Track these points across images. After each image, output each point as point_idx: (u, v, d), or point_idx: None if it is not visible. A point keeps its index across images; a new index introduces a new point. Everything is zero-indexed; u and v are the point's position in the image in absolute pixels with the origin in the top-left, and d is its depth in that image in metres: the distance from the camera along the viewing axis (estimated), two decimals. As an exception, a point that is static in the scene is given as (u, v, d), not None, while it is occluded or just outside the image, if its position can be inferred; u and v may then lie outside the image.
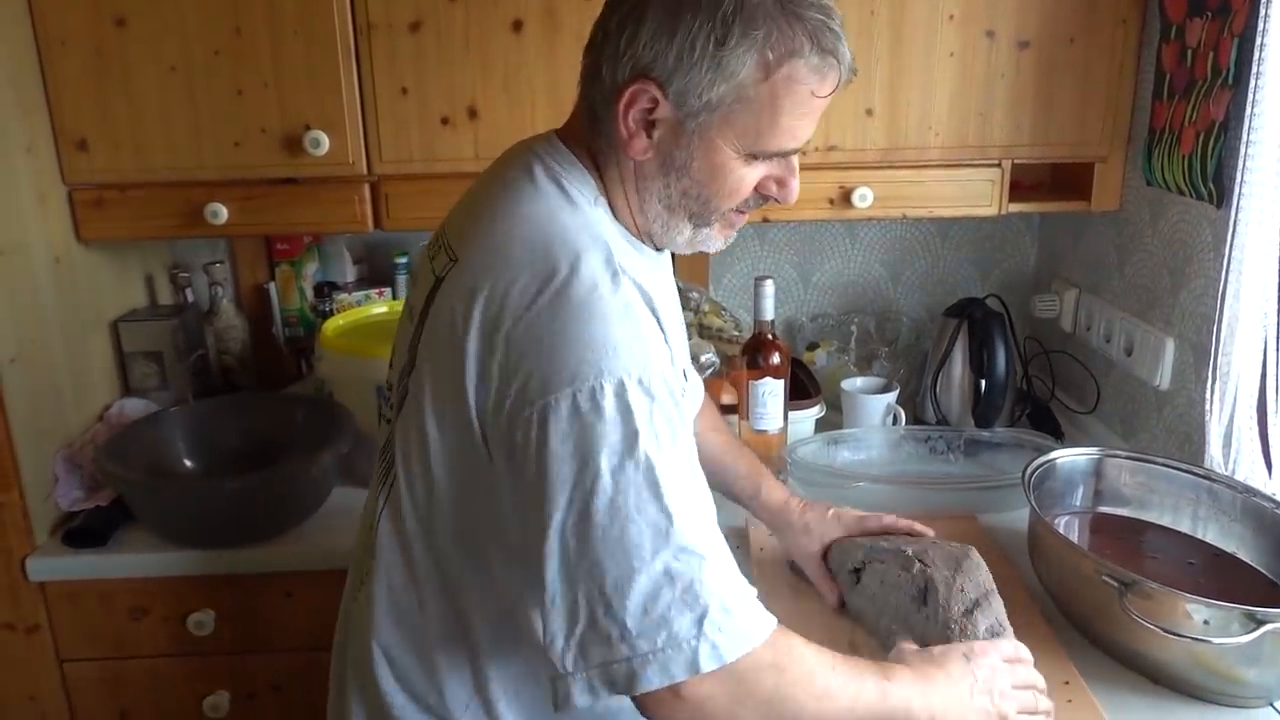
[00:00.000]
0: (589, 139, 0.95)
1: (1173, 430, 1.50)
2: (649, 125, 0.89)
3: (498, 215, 0.91)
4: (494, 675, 0.97)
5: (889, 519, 1.22)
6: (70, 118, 1.52)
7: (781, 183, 0.95)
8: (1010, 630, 1.06)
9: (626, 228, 0.97)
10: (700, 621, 0.79)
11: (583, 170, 0.94)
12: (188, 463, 1.58)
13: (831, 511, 1.23)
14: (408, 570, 0.97)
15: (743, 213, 0.98)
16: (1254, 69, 1.19)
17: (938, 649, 1.00)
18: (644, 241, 0.99)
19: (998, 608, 1.08)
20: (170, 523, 1.45)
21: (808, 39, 0.86)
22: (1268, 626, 0.97)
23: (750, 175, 0.92)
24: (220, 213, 1.56)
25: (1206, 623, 1.00)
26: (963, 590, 1.08)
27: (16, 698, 1.52)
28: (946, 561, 1.11)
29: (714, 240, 0.99)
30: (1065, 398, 1.84)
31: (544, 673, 0.84)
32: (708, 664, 0.78)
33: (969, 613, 1.06)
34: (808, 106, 0.89)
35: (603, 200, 0.94)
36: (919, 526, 1.22)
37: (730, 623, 0.80)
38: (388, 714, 0.99)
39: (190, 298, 1.85)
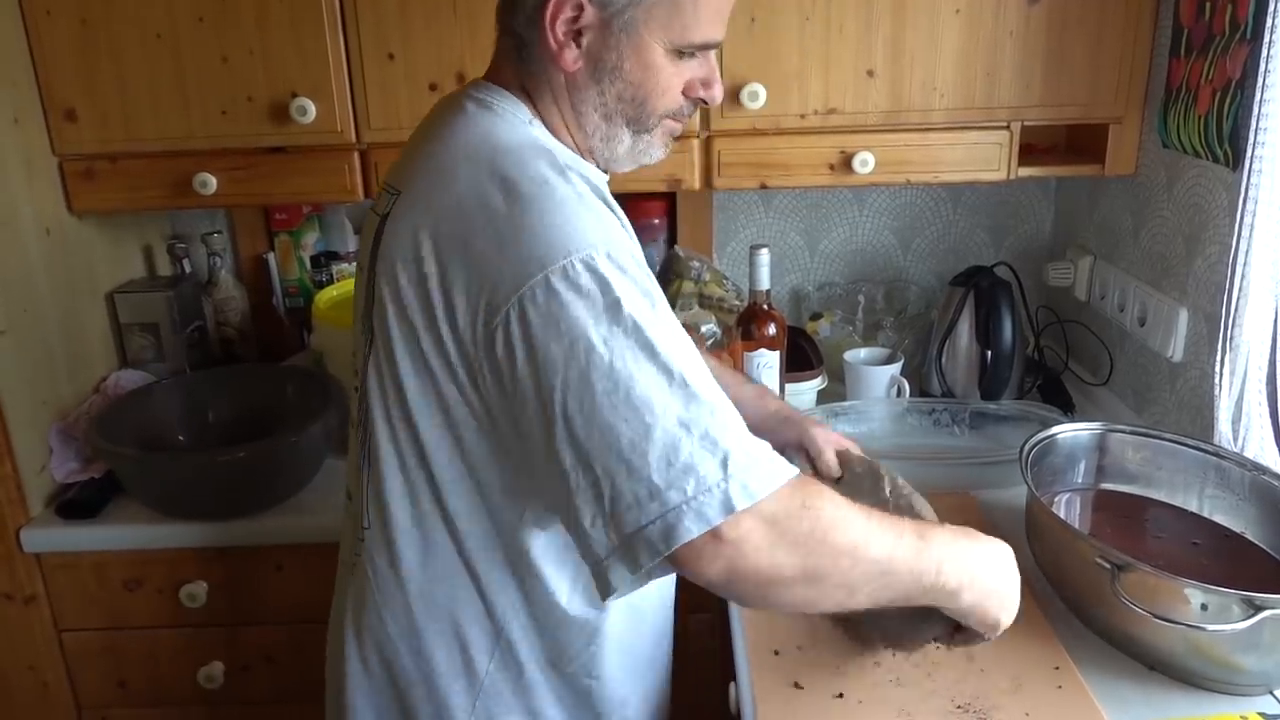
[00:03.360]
0: (517, 72, 0.95)
1: (1185, 404, 1.44)
2: (576, 35, 0.91)
3: (434, 144, 0.93)
4: (512, 619, 0.97)
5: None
6: (58, 88, 1.50)
7: (707, 83, 0.97)
8: None
9: (575, 152, 0.97)
10: (725, 464, 0.78)
11: (514, 99, 0.95)
12: (180, 435, 1.58)
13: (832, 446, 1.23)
14: (401, 530, 0.95)
15: (678, 121, 0.99)
16: (1270, 21, 1.11)
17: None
18: (588, 160, 0.99)
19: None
20: (160, 495, 1.45)
21: None
22: (1266, 612, 0.93)
23: (679, 74, 0.94)
24: (209, 183, 1.54)
25: (1204, 607, 0.96)
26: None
27: (17, 667, 1.54)
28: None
29: (654, 148, 1.00)
30: (1079, 369, 1.78)
31: (585, 567, 0.83)
32: (741, 501, 0.78)
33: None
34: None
35: (537, 122, 0.95)
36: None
37: (753, 463, 0.80)
38: (397, 686, 0.99)
39: (187, 269, 1.84)
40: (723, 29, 0.94)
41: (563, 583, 0.97)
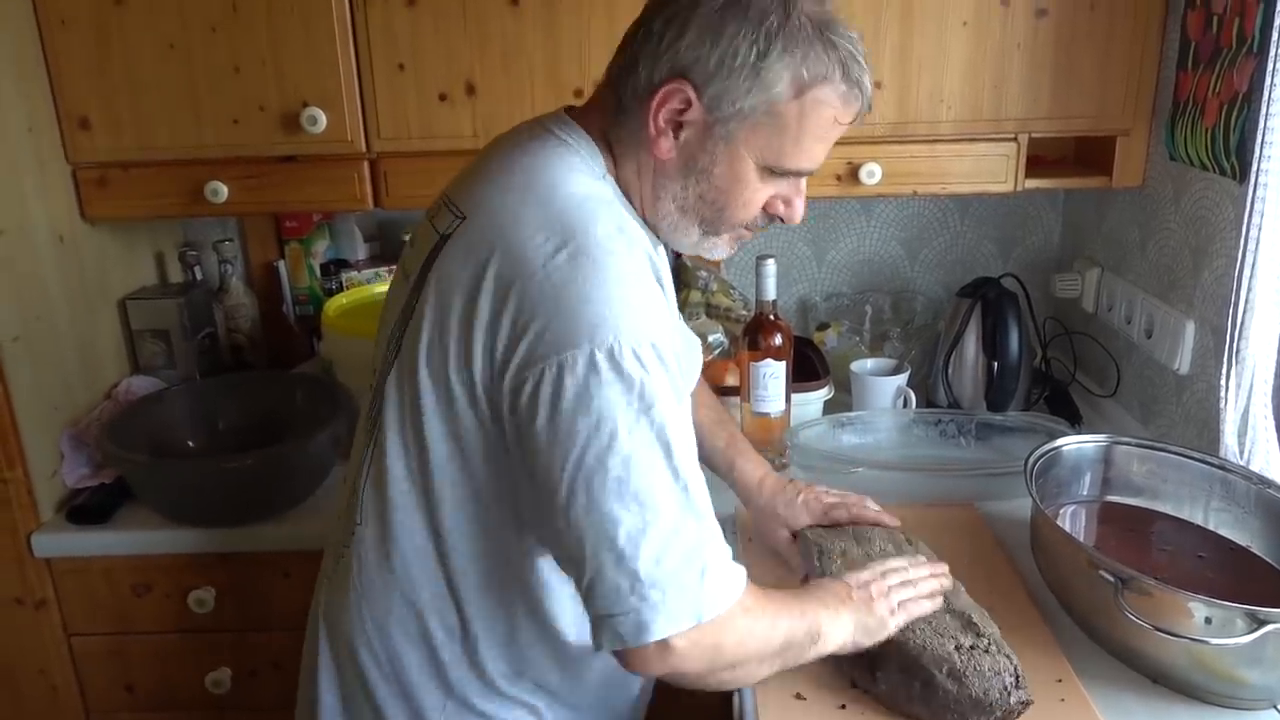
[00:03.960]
0: (610, 127, 0.96)
1: (1191, 417, 1.44)
2: (677, 126, 0.92)
3: (510, 176, 0.93)
4: (482, 635, 0.98)
5: (856, 509, 1.21)
6: (72, 97, 1.52)
7: (788, 202, 0.98)
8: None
9: (639, 215, 0.98)
10: (703, 574, 0.83)
11: (593, 146, 0.96)
12: (189, 442, 1.59)
13: (801, 497, 1.23)
14: (394, 535, 0.97)
15: (750, 230, 1.00)
16: (1276, 35, 1.12)
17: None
18: (652, 233, 1.00)
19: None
20: (169, 501, 1.46)
21: (839, 66, 0.90)
22: (1270, 626, 0.92)
23: (764, 191, 0.96)
24: (221, 191, 1.55)
25: (1208, 621, 0.96)
26: None
27: (27, 670, 1.55)
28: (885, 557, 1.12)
29: (719, 249, 1.02)
30: (1086, 380, 1.78)
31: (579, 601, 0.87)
32: (709, 613, 0.83)
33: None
34: (828, 131, 0.93)
35: (610, 178, 0.96)
36: (886, 518, 1.21)
37: (724, 575, 0.86)
38: (364, 680, 1.01)
39: (199, 276, 1.85)
40: (821, 158, 0.95)
41: (558, 607, 0.98)
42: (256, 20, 1.48)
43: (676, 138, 0.92)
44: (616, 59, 0.96)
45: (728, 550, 0.88)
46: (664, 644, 0.82)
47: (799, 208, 0.98)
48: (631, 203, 0.97)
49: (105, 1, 1.47)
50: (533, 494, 0.87)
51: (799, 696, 1.03)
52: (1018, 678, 0.97)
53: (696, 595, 0.82)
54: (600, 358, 0.81)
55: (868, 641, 0.99)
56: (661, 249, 1.06)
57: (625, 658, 0.85)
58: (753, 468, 1.29)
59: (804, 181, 0.98)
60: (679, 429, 0.85)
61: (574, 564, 0.84)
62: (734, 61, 0.88)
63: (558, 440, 0.82)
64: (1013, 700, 0.96)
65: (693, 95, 0.89)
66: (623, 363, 0.81)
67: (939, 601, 1.05)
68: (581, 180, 0.92)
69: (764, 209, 0.98)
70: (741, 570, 0.88)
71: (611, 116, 0.95)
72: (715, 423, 1.34)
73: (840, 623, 0.97)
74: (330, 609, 1.05)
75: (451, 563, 0.96)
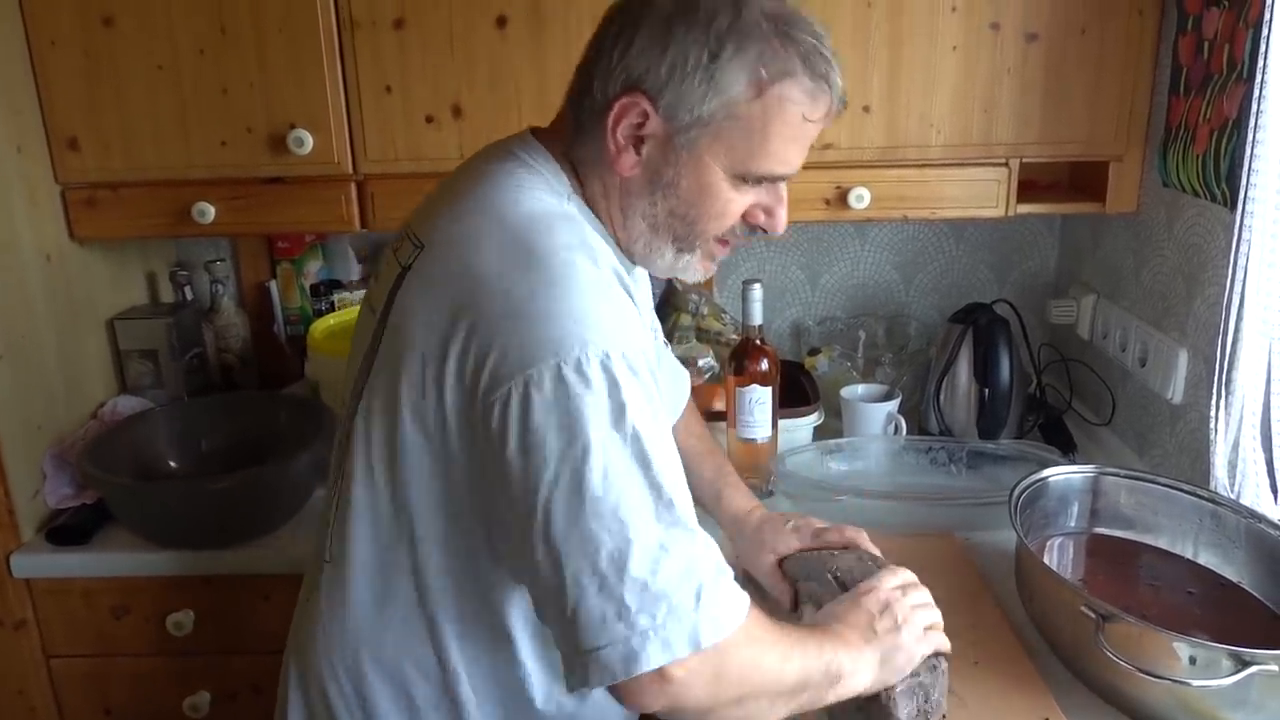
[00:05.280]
0: (572, 149, 0.94)
1: (1185, 447, 1.41)
2: (638, 141, 0.89)
3: (467, 201, 0.90)
4: (463, 673, 0.94)
5: (850, 534, 1.16)
6: (61, 117, 1.52)
7: (770, 212, 0.94)
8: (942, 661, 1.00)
9: (611, 235, 0.95)
10: (699, 595, 0.77)
11: (557, 168, 0.93)
12: (172, 463, 1.58)
13: (790, 524, 1.19)
14: (367, 574, 0.94)
15: (726, 243, 0.96)
16: (1263, 62, 1.10)
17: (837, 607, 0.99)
18: (625, 255, 0.97)
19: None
20: (148, 524, 1.45)
21: (800, 61, 0.86)
22: (1255, 668, 0.90)
23: (738, 200, 0.91)
24: (208, 212, 1.55)
25: (1193, 661, 0.93)
26: None
27: (6, 691, 1.53)
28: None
29: (694, 269, 0.97)
30: (1082, 408, 1.75)
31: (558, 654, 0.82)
32: (709, 637, 0.77)
33: None
34: (798, 130, 0.88)
35: (576, 199, 0.93)
36: (874, 548, 1.16)
37: (724, 596, 0.79)
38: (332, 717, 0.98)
39: (190, 296, 1.85)
40: (796, 162, 0.91)
41: (533, 650, 0.95)
42: (244, 42, 1.48)
43: (639, 153, 0.89)
44: (573, 79, 0.94)
45: (728, 570, 0.81)
46: (660, 674, 0.76)
47: (780, 217, 0.94)
48: (603, 224, 0.95)
49: (95, 23, 1.48)
50: (506, 525, 0.82)
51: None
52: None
53: (692, 619, 0.76)
54: (567, 371, 0.77)
55: (894, 679, 0.93)
56: (638, 272, 1.04)
57: (620, 691, 0.78)
58: (742, 499, 1.25)
59: (784, 189, 0.94)
60: (658, 441, 0.80)
61: (553, 597, 0.77)
62: (685, 67, 0.84)
63: (529, 462, 0.77)
64: None
65: (649, 107, 0.86)
66: (590, 375, 0.77)
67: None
68: (541, 199, 0.89)
69: (745, 220, 0.93)
70: (744, 594, 0.82)
71: (572, 137, 0.93)
72: (703, 453, 1.31)
73: (864, 662, 0.91)
74: (299, 643, 1.02)
75: (428, 601, 0.92)
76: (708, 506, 1.26)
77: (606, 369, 0.78)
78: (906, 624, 0.95)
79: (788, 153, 0.89)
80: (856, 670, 0.90)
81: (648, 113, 0.86)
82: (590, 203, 0.94)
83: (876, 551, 1.15)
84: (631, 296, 0.89)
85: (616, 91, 0.87)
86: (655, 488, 0.78)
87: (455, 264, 0.85)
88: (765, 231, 0.95)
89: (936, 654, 0.99)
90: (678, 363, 1.39)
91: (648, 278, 1.12)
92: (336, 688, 0.97)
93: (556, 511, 0.77)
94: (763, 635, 0.83)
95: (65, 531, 1.46)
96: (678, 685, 0.77)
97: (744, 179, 0.89)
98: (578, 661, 0.77)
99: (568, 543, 0.76)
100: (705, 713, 0.81)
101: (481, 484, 0.85)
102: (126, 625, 1.50)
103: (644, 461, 0.78)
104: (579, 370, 0.77)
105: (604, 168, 0.91)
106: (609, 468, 0.76)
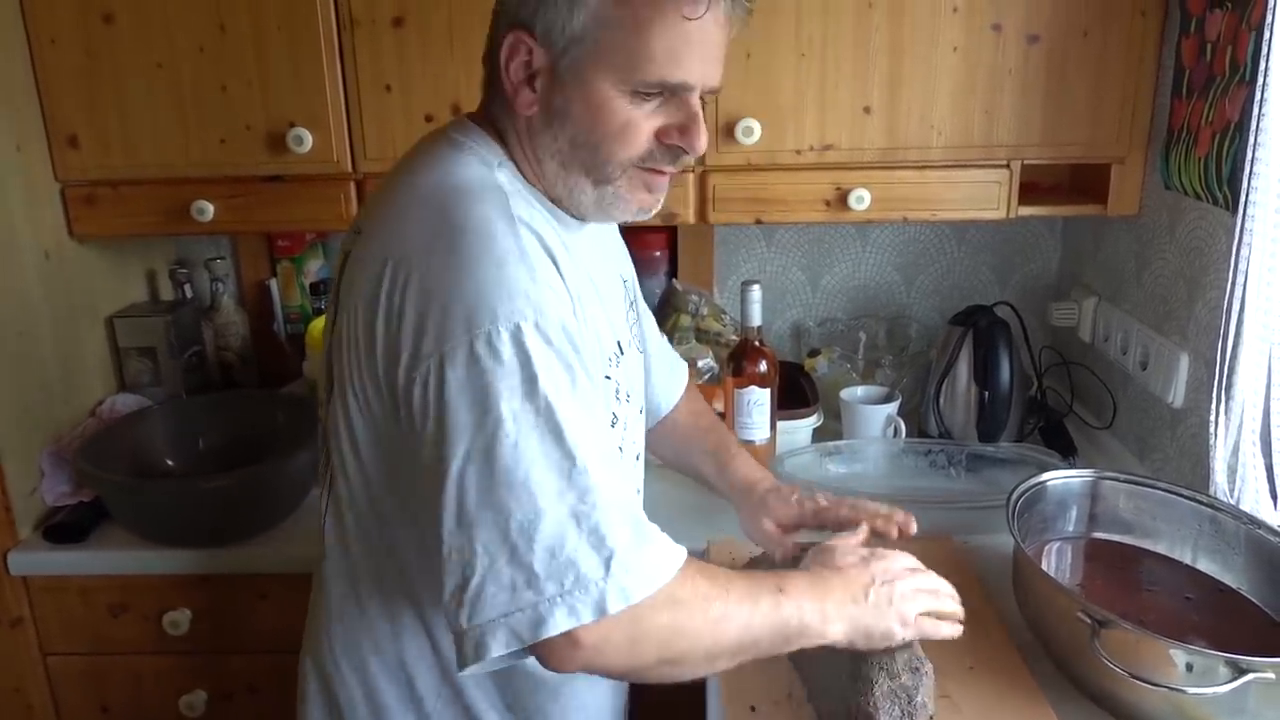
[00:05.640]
0: (489, 111, 0.95)
1: (1185, 451, 1.40)
2: (530, 78, 0.89)
3: (399, 184, 0.92)
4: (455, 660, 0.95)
5: (846, 511, 1.15)
6: (61, 115, 1.52)
7: (683, 130, 0.90)
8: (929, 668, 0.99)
9: (545, 196, 0.95)
10: (608, 563, 0.77)
11: (487, 139, 0.94)
12: (169, 461, 1.58)
13: (796, 496, 1.18)
14: (357, 555, 0.95)
15: (655, 171, 0.92)
16: (1264, 64, 1.09)
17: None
18: (565, 211, 0.96)
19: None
20: (146, 522, 1.45)
21: None
22: (1251, 675, 0.89)
23: (641, 119, 0.88)
24: (207, 210, 1.55)
25: (1189, 668, 0.93)
26: None
27: (2, 690, 1.53)
28: None
29: (623, 201, 0.93)
30: (1083, 412, 1.74)
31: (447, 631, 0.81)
32: (615, 604, 0.77)
33: None
34: (680, 30, 0.85)
35: (508, 165, 0.93)
36: (880, 506, 1.15)
37: (637, 563, 0.79)
38: (347, 708, 0.99)
39: (189, 294, 1.85)
40: (694, 70, 0.87)
41: None
42: (244, 41, 1.48)
43: (534, 89, 0.89)
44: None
45: (653, 537, 0.81)
46: (570, 638, 0.77)
47: (696, 135, 0.89)
48: (532, 184, 0.93)
49: (95, 21, 1.47)
50: (426, 498, 0.82)
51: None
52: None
53: (599, 586, 0.76)
54: (479, 346, 0.78)
55: (863, 645, 0.93)
56: (586, 233, 1.00)
57: (539, 654, 0.79)
58: (751, 469, 1.24)
59: (696, 105, 0.89)
60: (573, 410, 0.80)
61: (466, 569, 0.77)
62: None
63: (445, 437, 0.79)
64: None
65: (529, 41, 0.87)
66: (501, 349, 0.78)
67: (957, 630, 0.99)
68: (465, 174, 0.89)
69: (660, 142, 0.90)
70: (672, 559, 0.81)
71: (489, 100, 0.95)
72: (704, 428, 1.31)
73: (833, 622, 0.90)
74: (313, 642, 1.03)
75: (410, 582, 0.94)
76: (712, 480, 1.27)
77: (518, 341, 0.79)
78: (903, 601, 0.94)
79: (677, 55, 0.85)
80: (828, 624, 0.89)
81: (530, 47, 0.87)
82: (517, 161, 0.94)
83: (884, 510, 1.13)
84: (555, 262, 0.87)
85: (501, 33, 0.89)
86: (568, 456, 0.78)
87: (380, 246, 0.87)
88: (686, 152, 0.91)
89: (919, 657, 0.98)
90: (674, 352, 1.38)
91: (606, 240, 1.10)
92: (340, 677, 0.99)
93: (469, 485, 0.78)
94: (689, 598, 0.82)
95: (62, 529, 1.46)
96: (589, 650, 0.78)
97: (639, 93, 0.87)
98: (472, 634, 0.77)
99: (479, 514, 0.77)
100: (626, 673, 0.83)
101: (417, 463, 0.85)
102: (123, 623, 1.50)
103: (556, 431, 0.78)
104: (489, 344, 0.78)
105: (513, 116, 0.92)
106: (520, 440, 0.77)
